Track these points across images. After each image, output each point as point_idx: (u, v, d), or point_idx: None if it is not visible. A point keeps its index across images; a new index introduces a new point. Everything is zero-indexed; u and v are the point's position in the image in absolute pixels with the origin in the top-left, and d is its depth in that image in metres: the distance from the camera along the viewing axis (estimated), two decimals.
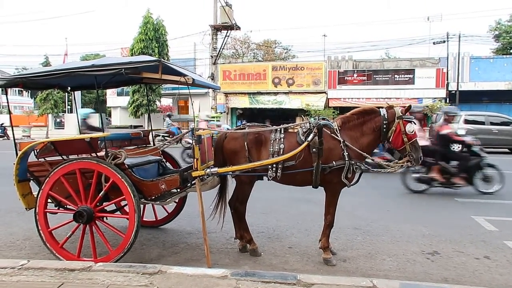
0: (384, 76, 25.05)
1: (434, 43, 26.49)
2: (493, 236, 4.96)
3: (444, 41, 25.36)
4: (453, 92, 23.85)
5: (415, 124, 4.08)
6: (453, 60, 24.48)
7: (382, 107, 4.18)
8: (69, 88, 5.26)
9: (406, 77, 24.64)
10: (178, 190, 4.21)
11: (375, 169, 4.17)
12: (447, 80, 24.16)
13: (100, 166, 3.75)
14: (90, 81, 4.15)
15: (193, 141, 3.90)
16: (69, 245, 4.02)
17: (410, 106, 4.11)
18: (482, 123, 17.02)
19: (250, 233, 4.33)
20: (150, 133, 5.46)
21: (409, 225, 5.41)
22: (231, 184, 4.47)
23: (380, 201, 6.96)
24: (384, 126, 4.03)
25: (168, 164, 5.15)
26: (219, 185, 4.44)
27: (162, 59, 3.84)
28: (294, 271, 3.64)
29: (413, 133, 4.02)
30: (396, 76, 24.80)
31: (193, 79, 3.89)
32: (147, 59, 3.84)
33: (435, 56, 25.84)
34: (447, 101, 23.72)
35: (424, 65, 24.76)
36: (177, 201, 4.89)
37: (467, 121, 17.06)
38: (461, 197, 7.29)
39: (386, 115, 4.06)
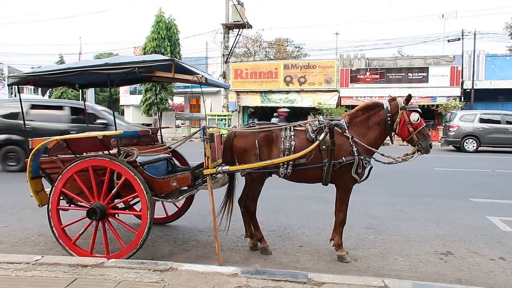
0: (397, 74, 24.80)
1: (448, 41, 26.12)
2: (508, 237, 4.86)
3: (459, 39, 24.97)
4: (468, 90, 23.46)
5: (419, 112, 4.03)
6: (468, 58, 24.09)
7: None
8: (77, 86, 5.31)
9: (420, 75, 24.35)
10: (188, 187, 4.23)
11: (386, 162, 4.12)
12: (462, 78, 23.80)
13: (114, 164, 3.79)
14: (101, 79, 4.19)
15: (205, 139, 3.90)
16: (82, 241, 4.08)
17: (410, 95, 4.07)
18: (498, 122, 16.73)
19: (261, 231, 4.32)
20: (159, 131, 5.50)
21: (422, 225, 5.34)
22: (240, 182, 4.46)
23: (392, 200, 6.89)
24: (388, 118, 4.03)
25: (176, 162, 5.18)
26: (227, 184, 4.44)
27: (175, 58, 3.85)
28: (305, 270, 3.63)
29: (418, 121, 3.98)
30: (409, 74, 24.53)
31: (206, 78, 3.90)
32: (161, 58, 3.86)
33: (450, 54, 25.45)
34: (462, 100, 23.35)
35: (439, 63, 24.43)
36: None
37: (482, 120, 16.78)
38: (475, 197, 7.17)
39: (389, 108, 4.06)
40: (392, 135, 4.18)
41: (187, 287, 2.96)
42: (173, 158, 5.16)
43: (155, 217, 5.19)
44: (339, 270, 3.78)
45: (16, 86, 4.44)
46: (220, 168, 3.98)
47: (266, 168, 4.05)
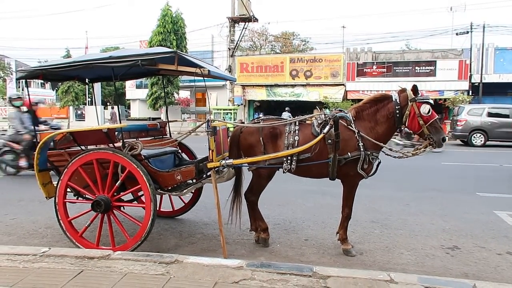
0: (404, 68, 24.53)
1: (457, 34, 25.76)
2: None
3: (467, 32, 24.61)
4: (476, 84, 23.18)
5: (431, 103, 3.85)
6: (476, 52, 23.75)
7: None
8: (87, 80, 5.35)
9: (428, 69, 24.07)
10: (194, 181, 4.24)
11: (396, 157, 4.04)
12: (470, 72, 23.48)
13: (117, 156, 3.80)
14: (108, 73, 4.20)
15: (208, 132, 3.90)
16: (88, 234, 4.11)
17: (415, 86, 3.89)
18: (507, 116, 16.52)
19: (265, 223, 4.32)
20: (167, 125, 5.51)
21: (428, 219, 5.30)
22: (247, 177, 4.46)
23: (399, 194, 6.85)
24: (397, 111, 3.87)
25: (184, 155, 5.19)
26: (234, 178, 4.44)
27: (178, 51, 3.85)
28: (310, 263, 3.63)
29: (429, 114, 3.80)
30: (417, 68, 24.26)
31: (209, 71, 3.89)
32: (163, 50, 3.86)
33: (458, 47, 25.13)
34: (470, 94, 23.10)
35: (446, 57, 24.13)
36: (193, 191, 4.93)
37: (490, 114, 16.60)
38: (483, 191, 7.10)
39: (398, 100, 3.90)
40: (402, 128, 4.04)
41: (192, 280, 2.97)
42: (180, 151, 5.16)
43: (162, 210, 5.23)
44: (345, 264, 3.77)
45: (24, 80, 4.48)
46: (223, 161, 3.98)
47: (270, 163, 4.03)
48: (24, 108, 8.01)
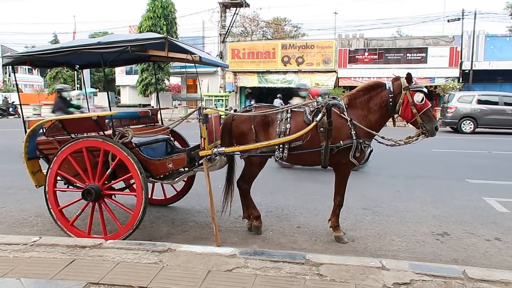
0: (396, 54, 24.58)
1: (448, 21, 25.82)
2: (504, 218, 4.90)
3: (459, 19, 24.66)
4: (467, 71, 23.32)
5: (424, 92, 3.82)
6: (467, 39, 23.85)
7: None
8: (77, 66, 5.25)
9: (419, 56, 24.15)
10: (186, 169, 4.21)
11: (388, 145, 4.05)
12: (461, 59, 23.62)
13: (107, 144, 3.75)
14: (97, 59, 4.12)
15: (200, 120, 3.86)
16: (79, 222, 4.07)
17: (409, 74, 3.83)
18: (496, 103, 16.68)
19: (257, 210, 4.32)
20: (159, 112, 5.44)
21: (418, 206, 5.37)
22: (240, 165, 4.44)
23: (389, 181, 6.91)
24: (390, 99, 3.84)
25: (176, 143, 5.15)
26: (227, 166, 4.42)
27: (169, 37, 3.77)
28: (303, 251, 3.65)
29: (423, 102, 3.77)
30: (408, 54, 24.32)
31: (200, 57, 3.83)
32: (154, 36, 3.79)
33: (449, 34, 25.18)
34: (460, 81, 23.25)
35: (438, 44, 24.18)
36: (185, 180, 4.91)
37: (480, 101, 16.74)
38: (472, 178, 7.20)
39: (392, 88, 3.87)
40: (395, 117, 4.02)
41: (185, 268, 2.97)
42: (172, 139, 5.12)
43: (154, 198, 5.21)
44: (337, 251, 3.80)
45: (11, 66, 4.36)
46: (215, 149, 3.95)
47: (262, 151, 4.01)
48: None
